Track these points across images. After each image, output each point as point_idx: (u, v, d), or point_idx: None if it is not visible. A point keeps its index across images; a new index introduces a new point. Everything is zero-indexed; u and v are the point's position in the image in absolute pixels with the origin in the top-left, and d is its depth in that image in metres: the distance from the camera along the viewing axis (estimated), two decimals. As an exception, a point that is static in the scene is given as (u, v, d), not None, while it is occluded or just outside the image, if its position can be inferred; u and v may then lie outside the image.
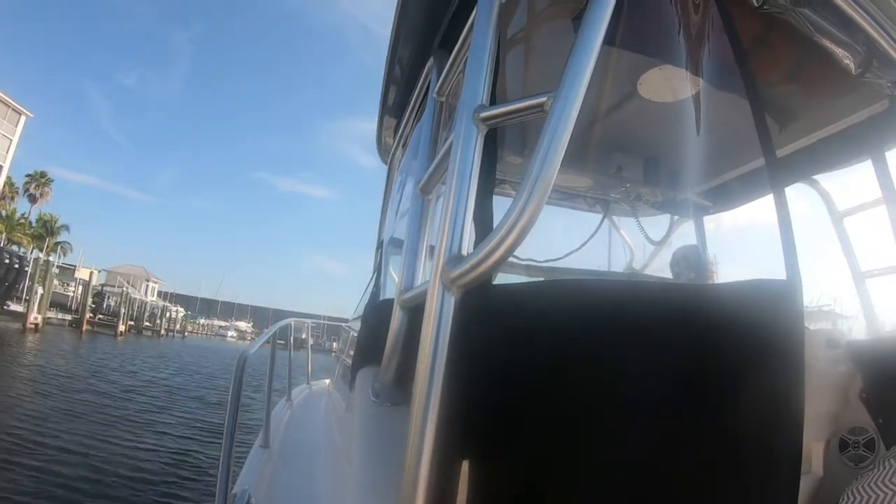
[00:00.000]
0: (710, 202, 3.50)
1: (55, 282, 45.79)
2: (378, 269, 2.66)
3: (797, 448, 1.00)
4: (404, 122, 2.63)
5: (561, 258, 3.38)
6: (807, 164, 2.72)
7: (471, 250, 0.94)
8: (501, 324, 0.95)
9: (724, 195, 3.38)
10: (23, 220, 56.99)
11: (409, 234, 1.56)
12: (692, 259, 2.81)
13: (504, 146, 3.11)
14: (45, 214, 60.94)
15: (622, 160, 3.32)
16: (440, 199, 1.18)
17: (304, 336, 6.36)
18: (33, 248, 50.17)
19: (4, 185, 51.75)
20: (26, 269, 38.06)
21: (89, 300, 48.33)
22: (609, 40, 1.01)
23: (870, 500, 1.64)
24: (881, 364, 2.11)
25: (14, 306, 37.78)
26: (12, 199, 55.99)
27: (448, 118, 1.76)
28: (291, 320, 4.07)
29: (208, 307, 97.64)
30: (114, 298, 54.66)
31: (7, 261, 35.21)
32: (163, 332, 59.93)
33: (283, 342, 4.05)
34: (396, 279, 1.71)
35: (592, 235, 3.68)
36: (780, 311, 1.04)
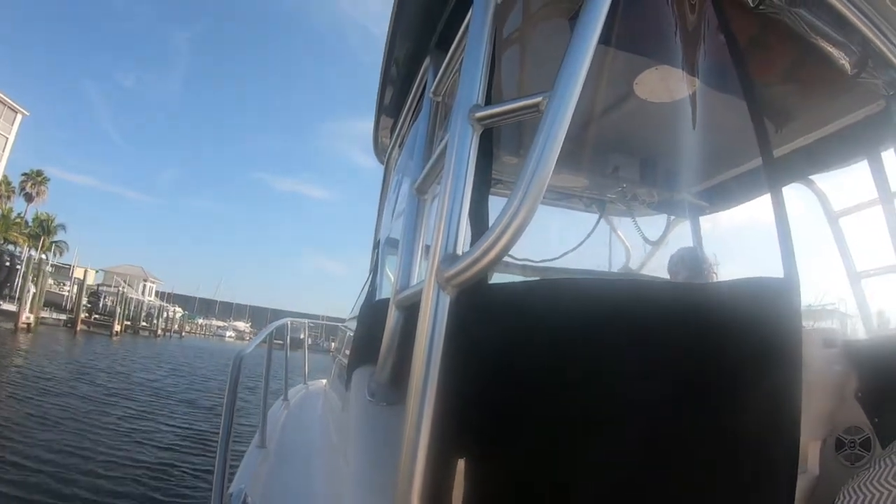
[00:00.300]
0: (706, 202, 3.50)
1: (50, 281, 45.60)
2: (374, 269, 2.66)
3: (794, 447, 1.00)
4: (401, 121, 2.63)
5: (557, 258, 3.39)
6: (803, 164, 2.73)
7: (466, 249, 0.94)
8: (496, 323, 0.95)
9: (720, 195, 3.38)
10: (19, 220, 56.80)
11: (405, 233, 1.56)
12: (688, 260, 2.81)
13: (500, 145, 3.11)
14: (41, 214, 60.88)
15: (619, 160, 3.32)
16: (436, 199, 1.18)
17: (301, 336, 6.37)
18: (28, 247, 49.91)
19: (0, 184, 51.62)
20: (18, 267, 37.75)
21: (84, 300, 48.10)
22: (605, 40, 1.02)
23: (866, 499, 1.64)
24: (877, 363, 2.12)
25: (6, 305, 37.49)
26: (8, 198, 55.85)
27: (444, 118, 1.76)
28: (288, 320, 4.06)
29: (206, 307, 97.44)
30: (110, 298, 54.42)
31: (-3, 259, 34.85)
32: (160, 332, 59.75)
33: (280, 342, 4.05)
34: (393, 279, 1.71)
35: (589, 235, 3.69)
36: (777, 310, 1.04)
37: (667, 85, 2.33)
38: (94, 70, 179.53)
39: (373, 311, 2.14)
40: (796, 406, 1.00)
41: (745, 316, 1.01)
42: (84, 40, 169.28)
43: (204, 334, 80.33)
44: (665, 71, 2.25)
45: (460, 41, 1.44)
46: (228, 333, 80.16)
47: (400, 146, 2.71)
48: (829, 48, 1.77)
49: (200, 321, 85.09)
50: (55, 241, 61.92)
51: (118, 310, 50.51)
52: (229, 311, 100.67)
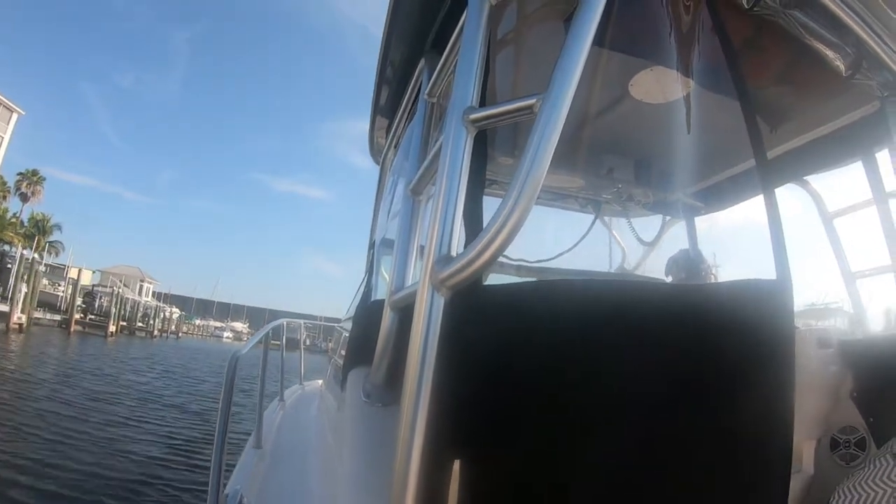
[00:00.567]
0: (701, 203, 3.51)
1: (45, 281, 45.32)
2: (370, 270, 2.66)
3: (788, 447, 1.01)
4: (396, 122, 2.62)
5: (552, 258, 3.39)
6: (798, 164, 2.74)
7: (461, 251, 0.94)
8: (491, 324, 0.96)
9: (715, 196, 3.39)
10: (14, 220, 56.58)
11: (400, 234, 1.56)
12: (683, 261, 2.82)
13: (494, 145, 3.11)
14: (37, 214, 60.64)
15: (614, 161, 3.33)
16: (430, 200, 1.18)
17: (297, 336, 6.36)
18: (21, 246, 49.60)
19: (-4, 184, 51.48)
20: (9, 266, 37.36)
21: (79, 300, 47.88)
22: (600, 42, 1.02)
23: (861, 498, 1.65)
24: (872, 363, 2.13)
25: (-1, 306, 37.21)
26: (4, 197, 55.62)
27: (439, 119, 1.75)
28: (284, 320, 4.05)
29: (204, 308, 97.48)
30: (106, 298, 54.28)
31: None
32: (156, 332, 59.63)
33: (277, 343, 4.05)
34: (388, 279, 1.71)
35: (584, 236, 3.69)
36: (770, 311, 1.05)
37: (662, 86, 2.34)
38: (93, 70, 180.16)
39: (368, 312, 2.14)
40: (789, 406, 1.01)
41: (738, 317, 1.02)
42: (83, 41, 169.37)
43: (201, 335, 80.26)
44: (660, 72, 2.25)
45: (455, 43, 1.44)
46: (226, 334, 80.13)
47: (395, 147, 2.71)
48: (823, 49, 1.77)
49: (198, 322, 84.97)
50: (51, 242, 61.76)
51: (113, 310, 50.31)
52: (227, 311, 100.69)
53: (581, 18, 0.93)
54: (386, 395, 1.53)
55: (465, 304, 0.93)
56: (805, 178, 2.86)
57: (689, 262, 2.79)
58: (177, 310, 74.82)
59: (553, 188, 3.71)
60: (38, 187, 60.56)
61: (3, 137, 49.11)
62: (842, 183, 2.81)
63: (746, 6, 1.64)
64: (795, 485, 2.10)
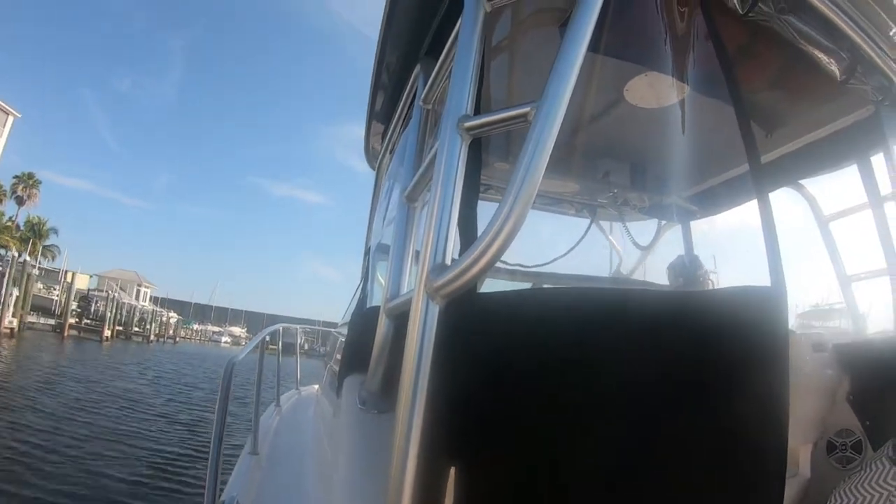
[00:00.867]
0: (696, 207, 3.52)
1: (39, 285, 44.91)
2: (366, 276, 2.66)
3: (782, 450, 1.02)
4: (392, 128, 2.62)
5: (548, 263, 3.39)
6: (793, 168, 2.75)
7: (456, 258, 0.94)
8: (486, 332, 0.95)
9: (710, 200, 3.40)
10: (9, 223, 56.39)
11: (396, 241, 1.56)
12: (679, 267, 2.83)
13: (490, 151, 3.11)
14: (32, 217, 60.51)
15: (609, 166, 3.34)
16: (426, 207, 1.18)
17: (294, 342, 6.35)
18: (17, 250, 49.30)
19: (-9, 187, 51.29)
20: (1, 269, 36.84)
21: (74, 304, 47.41)
22: (595, 47, 1.02)
23: (857, 501, 1.65)
24: (868, 366, 2.13)
25: (-10, 310, 36.18)
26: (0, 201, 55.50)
27: (434, 126, 1.75)
28: (280, 326, 4.05)
29: (202, 312, 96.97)
30: (102, 303, 53.95)
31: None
32: (153, 337, 59.18)
33: (275, 348, 4.04)
34: (383, 286, 1.71)
35: (580, 240, 3.70)
36: (764, 317, 1.05)
37: (657, 91, 2.34)
38: (91, 74, 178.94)
39: (364, 319, 2.13)
40: (783, 411, 1.02)
41: (733, 323, 1.02)
42: (82, 45, 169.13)
43: (199, 339, 79.85)
44: (655, 77, 2.26)
45: (450, 50, 1.44)
46: (224, 339, 79.71)
47: (391, 152, 2.71)
48: (818, 54, 1.78)
49: (196, 326, 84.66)
50: (47, 245, 61.57)
51: (108, 314, 49.97)
52: (225, 316, 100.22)
53: (576, 24, 0.94)
54: (381, 402, 1.53)
55: (459, 313, 0.93)
56: (800, 181, 2.87)
57: (687, 267, 2.79)
58: (174, 314, 74.50)
59: (549, 192, 3.71)
60: (35, 191, 60.43)
61: (-3, 140, 48.89)
62: (837, 187, 2.82)
63: (741, 11, 1.65)
64: (792, 488, 2.10)
